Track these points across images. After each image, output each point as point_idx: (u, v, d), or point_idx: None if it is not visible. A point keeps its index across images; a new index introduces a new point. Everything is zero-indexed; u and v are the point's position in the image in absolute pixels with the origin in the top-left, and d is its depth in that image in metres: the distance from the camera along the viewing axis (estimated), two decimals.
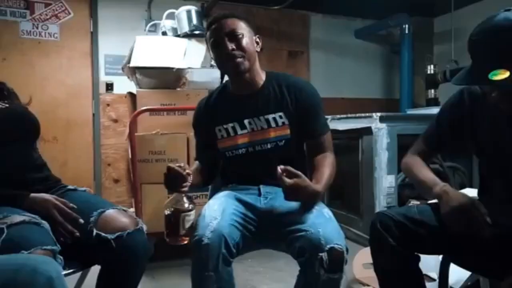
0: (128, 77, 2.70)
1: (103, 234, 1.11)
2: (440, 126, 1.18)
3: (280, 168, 1.10)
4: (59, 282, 0.79)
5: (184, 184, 1.14)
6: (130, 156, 2.95)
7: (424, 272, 1.50)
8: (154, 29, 3.02)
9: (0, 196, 1.07)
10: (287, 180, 1.09)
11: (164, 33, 2.63)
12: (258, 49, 1.34)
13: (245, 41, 1.26)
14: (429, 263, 1.24)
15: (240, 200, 1.25)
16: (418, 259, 1.07)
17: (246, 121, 1.32)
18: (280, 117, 1.31)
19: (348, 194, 3.07)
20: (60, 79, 3.51)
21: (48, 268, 0.79)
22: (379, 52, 4.78)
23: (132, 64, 2.37)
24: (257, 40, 1.34)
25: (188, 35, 2.50)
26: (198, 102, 1.47)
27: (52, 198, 1.13)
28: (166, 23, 2.62)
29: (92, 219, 1.14)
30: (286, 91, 1.32)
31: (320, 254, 1.02)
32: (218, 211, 1.16)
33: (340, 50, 4.60)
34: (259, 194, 1.30)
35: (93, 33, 3.62)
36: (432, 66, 3.76)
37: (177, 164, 1.17)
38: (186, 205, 1.13)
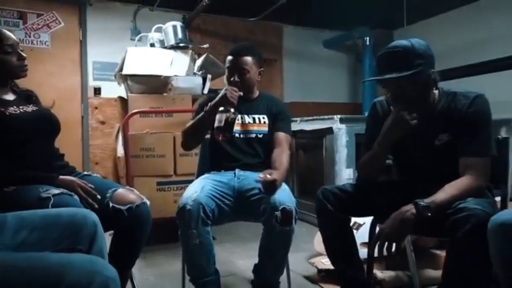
0: (119, 83, 3.03)
1: (117, 206, 1.45)
2: (370, 132, 1.54)
3: (261, 176, 1.50)
4: (115, 284, 0.79)
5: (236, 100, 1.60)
6: (118, 154, 3.26)
7: (363, 240, 1.92)
8: (139, 38, 3.33)
9: (38, 177, 1.40)
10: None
11: (152, 45, 2.97)
12: (259, 79, 1.82)
13: (247, 76, 1.73)
14: (365, 235, 1.65)
15: (218, 181, 1.63)
16: (349, 220, 1.47)
17: (239, 116, 1.77)
18: (263, 117, 1.80)
19: (314, 187, 3.47)
20: (52, 84, 3.77)
21: (107, 270, 0.79)
22: (345, 61, 5.25)
23: (124, 72, 2.70)
24: (261, 71, 1.81)
25: (174, 47, 2.85)
26: (209, 95, 2.04)
27: (76, 179, 1.47)
28: (154, 36, 2.97)
29: (108, 195, 1.48)
30: (269, 103, 1.83)
31: (276, 212, 1.42)
32: (198, 187, 1.55)
33: (311, 58, 5.04)
34: (234, 176, 1.69)
35: (82, 41, 3.91)
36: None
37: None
38: (233, 110, 1.58)
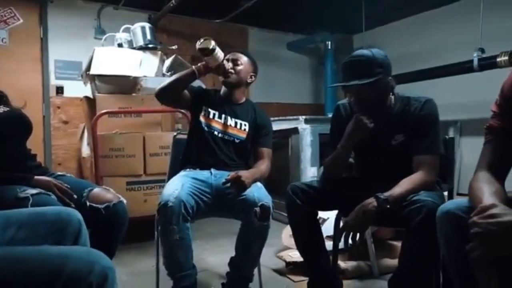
0: (85, 83, 3.00)
1: (94, 205, 1.48)
2: (333, 135, 1.67)
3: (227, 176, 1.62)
4: (112, 273, 0.80)
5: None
6: (82, 155, 3.23)
7: (328, 234, 2.06)
8: (106, 38, 3.30)
9: (14, 177, 1.40)
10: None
11: (120, 45, 2.96)
12: (249, 81, 1.94)
13: (239, 68, 1.87)
14: (331, 228, 1.79)
15: (196, 179, 1.70)
16: (317, 214, 1.60)
17: (223, 115, 1.88)
18: (245, 125, 1.90)
19: (281, 185, 3.61)
20: (10, 82, 3.62)
21: (105, 260, 0.81)
22: (309, 63, 5.44)
23: (92, 72, 2.69)
24: (252, 76, 1.95)
25: (143, 48, 2.87)
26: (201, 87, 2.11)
27: (52, 179, 1.49)
28: (122, 36, 2.96)
29: (84, 194, 1.51)
30: (254, 112, 1.93)
31: (255, 208, 1.52)
32: (179, 185, 1.62)
33: (275, 60, 5.15)
34: (211, 174, 1.76)
35: (43, 39, 3.79)
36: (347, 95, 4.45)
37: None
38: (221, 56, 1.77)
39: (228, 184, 1.62)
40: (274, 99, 5.02)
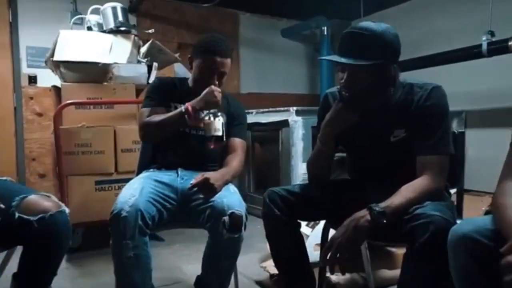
0: (52, 71, 2.70)
1: (25, 216, 1.21)
2: (319, 129, 1.36)
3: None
4: None
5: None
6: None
7: (318, 242, 1.79)
8: (80, 22, 3.01)
9: None
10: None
11: (89, 28, 2.66)
12: None
13: (224, 79, 1.56)
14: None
15: (159, 181, 1.43)
16: (299, 225, 1.33)
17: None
18: (222, 116, 1.57)
19: (270, 182, 3.35)
20: None
21: None
22: (304, 51, 5.14)
23: (56, 58, 2.39)
24: None
25: (114, 31, 2.57)
26: (158, 78, 1.77)
27: None
28: (91, 18, 2.66)
29: (14, 203, 1.23)
30: (227, 101, 1.64)
31: (223, 218, 1.25)
32: (137, 190, 1.34)
33: (268, 48, 4.87)
34: (177, 176, 1.49)
35: (13, 23, 3.49)
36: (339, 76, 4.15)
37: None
38: (220, 113, 1.43)
39: (196, 189, 1.36)
40: (266, 89, 4.74)
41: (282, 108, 3.03)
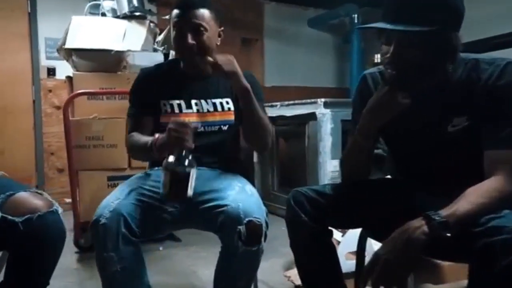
0: (67, 60, 2.58)
1: (9, 217, 1.04)
2: (357, 115, 1.11)
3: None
4: None
5: (190, 139, 1.05)
6: None
7: (350, 250, 1.55)
8: (96, 10, 2.87)
9: None
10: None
11: (103, 14, 2.52)
12: (219, 43, 1.32)
13: (206, 37, 1.23)
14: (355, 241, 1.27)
15: (158, 181, 1.22)
16: (331, 233, 1.09)
17: (193, 102, 1.32)
18: (227, 102, 1.34)
19: (296, 180, 3.12)
20: None
21: None
22: (332, 41, 4.86)
23: (67, 45, 2.26)
24: (220, 33, 1.33)
25: (128, 17, 2.41)
26: (142, 70, 1.43)
27: None
28: (105, 4, 2.51)
29: None
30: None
31: (239, 227, 1.03)
32: (124, 191, 1.15)
33: (294, 38, 4.63)
34: None
35: (31, 13, 3.40)
36: (378, 55, 3.86)
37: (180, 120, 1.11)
38: (191, 162, 1.03)
39: (211, 190, 1.15)
40: (292, 82, 4.50)
41: (309, 100, 2.78)
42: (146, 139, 1.20)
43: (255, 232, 1.04)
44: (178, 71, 1.37)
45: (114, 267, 1.04)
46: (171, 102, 1.31)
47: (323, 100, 2.65)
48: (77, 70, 2.35)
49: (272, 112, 3.21)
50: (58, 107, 3.55)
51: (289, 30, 4.60)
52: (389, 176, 1.24)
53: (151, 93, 1.32)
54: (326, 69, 4.85)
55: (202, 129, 1.30)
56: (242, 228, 1.03)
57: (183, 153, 1.03)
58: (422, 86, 0.99)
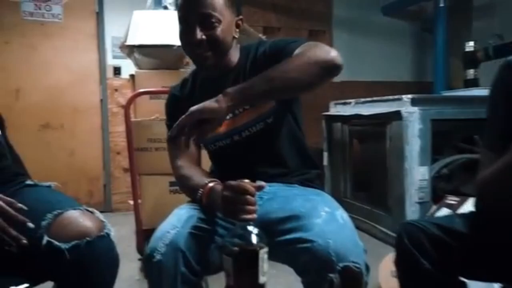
0: (129, 57, 2.48)
1: (55, 242, 0.87)
2: (496, 118, 0.83)
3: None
4: None
5: (254, 208, 0.79)
6: None
7: None
8: (159, 4, 2.76)
9: None
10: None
11: (165, 8, 2.37)
12: (237, 35, 1.06)
13: (219, 31, 0.98)
14: None
15: None
16: (464, 286, 0.77)
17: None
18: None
19: (374, 186, 2.76)
20: (65, 63, 3.34)
21: None
22: (409, 30, 4.37)
23: (128, 42, 2.15)
24: (239, 22, 1.06)
25: None
26: (171, 90, 1.22)
27: None
28: None
29: (44, 222, 0.90)
30: (256, 61, 1.07)
31: (331, 275, 0.75)
32: (182, 217, 0.93)
33: (366, 28, 4.24)
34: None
35: (99, 13, 3.42)
36: (471, 42, 3.33)
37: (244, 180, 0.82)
38: (259, 238, 0.74)
39: (291, 216, 0.89)
40: (364, 76, 4.10)
41: (391, 97, 2.41)
42: (195, 182, 0.98)
43: (354, 283, 0.76)
44: (201, 78, 1.14)
45: None
46: None
47: (410, 96, 2.27)
48: (140, 68, 2.24)
49: (345, 110, 2.88)
50: (123, 106, 3.53)
51: (361, 19, 4.20)
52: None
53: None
54: (402, 61, 4.37)
55: (247, 132, 1.04)
56: (335, 276, 0.75)
57: (247, 227, 0.75)
58: None
